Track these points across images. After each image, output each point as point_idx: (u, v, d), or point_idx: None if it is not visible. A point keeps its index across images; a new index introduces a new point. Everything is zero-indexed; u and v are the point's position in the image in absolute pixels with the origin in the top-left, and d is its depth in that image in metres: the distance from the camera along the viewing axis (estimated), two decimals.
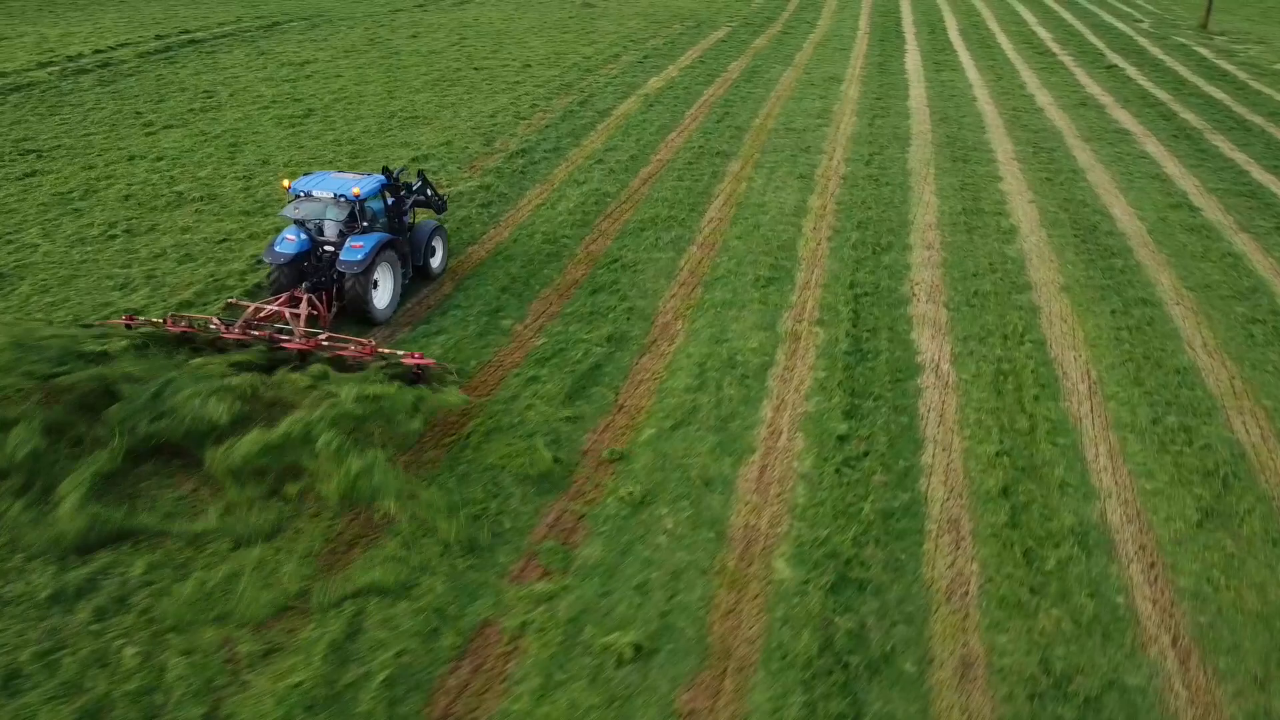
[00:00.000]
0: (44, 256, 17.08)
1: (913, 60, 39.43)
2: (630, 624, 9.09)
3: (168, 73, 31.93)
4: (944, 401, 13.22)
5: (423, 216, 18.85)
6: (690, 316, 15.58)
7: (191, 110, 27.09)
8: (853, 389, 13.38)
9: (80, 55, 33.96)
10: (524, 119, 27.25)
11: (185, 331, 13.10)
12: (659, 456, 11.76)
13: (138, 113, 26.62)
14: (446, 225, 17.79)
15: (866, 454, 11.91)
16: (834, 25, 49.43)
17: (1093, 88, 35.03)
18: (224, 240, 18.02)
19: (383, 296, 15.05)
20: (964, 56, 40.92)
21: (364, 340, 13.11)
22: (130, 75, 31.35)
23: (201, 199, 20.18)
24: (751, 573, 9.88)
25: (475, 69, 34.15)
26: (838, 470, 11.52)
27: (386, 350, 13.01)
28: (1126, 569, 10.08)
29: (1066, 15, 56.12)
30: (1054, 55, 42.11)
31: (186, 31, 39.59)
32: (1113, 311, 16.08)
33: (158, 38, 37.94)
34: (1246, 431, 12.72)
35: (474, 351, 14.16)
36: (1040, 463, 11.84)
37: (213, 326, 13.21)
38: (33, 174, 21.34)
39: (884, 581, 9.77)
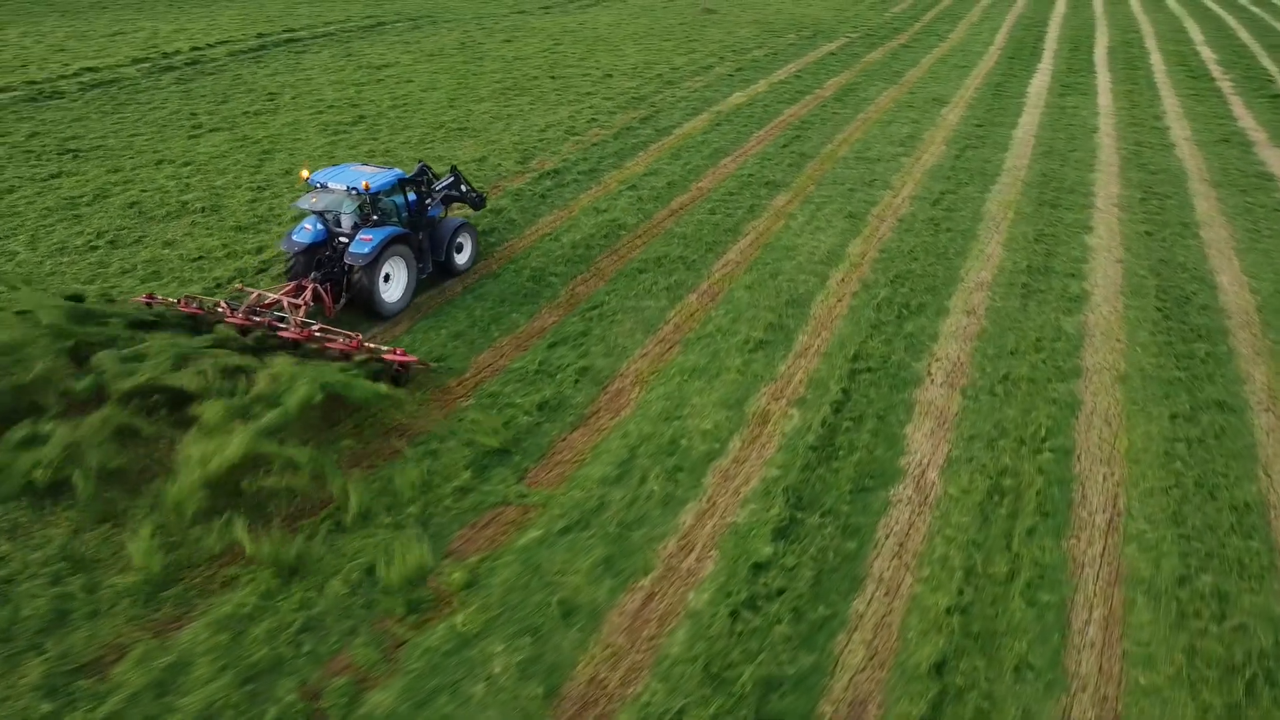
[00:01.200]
0: (16, 267, 16.62)
1: (1039, 81, 35.56)
2: None
3: (247, 73, 32.02)
4: (912, 524, 10.70)
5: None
6: (650, 383, 13.51)
7: (246, 113, 26.79)
8: (800, 497, 11.03)
9: (177, 52, 34.59)
10: (575, 135, 25.61)
11: (194, 313, 13.45)
12: (527, 570, 9.82)
13: (194, 114, 26.51)
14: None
15: (782, 591, 9.59)
16: (966, 38, 45.60)
17: (1245, 120, 30.46)
18: (199, 259, 17.13)
19: (394, 291, 15.15)
20: (1101, 78, 36.65)
21: (352, 334, 13.07)
22: (211, 74, 31.56)
23: (204, 210, 19.47)
24: None
25: (552, 77, 32.79)
26: (735, 612, 9.27)
27: (371, 345, 13.05)
28: None
29: (1243, 34, 50.04)
30: (1211, 80, 37.20)
31: (290, 30, 40.00)
32: (1174, 416, 12.98)
33: (259, 35, 38.43)
34: None
35: (387, 411, 12.54)
36: (1004, 628, 9.22)
37: (219, 310, 13.51)
38: (58, 175, 21.22)
39: None
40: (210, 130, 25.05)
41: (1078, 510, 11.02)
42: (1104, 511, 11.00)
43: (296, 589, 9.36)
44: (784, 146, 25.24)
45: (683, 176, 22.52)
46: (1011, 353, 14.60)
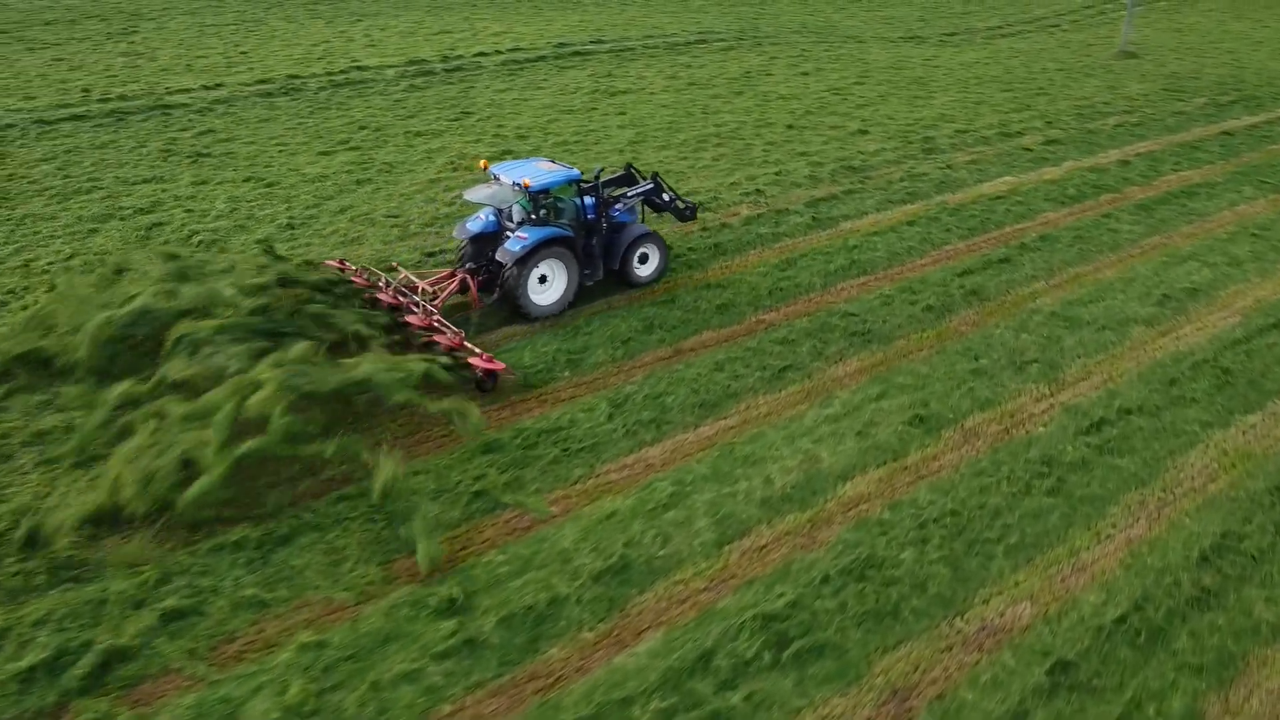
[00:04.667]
0: None
1: None
2: None
3: (483, 84, 30.50)
4: None
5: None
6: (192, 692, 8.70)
7: (408, 133, 25.03)
8: None
9: (460, 56, 34.23)
10: (705, 211, 19.99)
11: (362, 284, 14.84)
12: None
13: (361, 127, 25.34)
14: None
15: None
16: None
17: None
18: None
19: (549, 294, 14.94)
20: None
21: (458, 330, 13.50)
22: (449, 84, 30.51)
23: (215, 242, 17.80)
24: None
25: (789, 126, 26.79)
26: None
27: (470, 345, 13.24)
28: None
29: None
30: None
31: (600, 41, 38.04)
32: None
33: (559, 45, 36.95)
34: None
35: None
36: None
37: (380, 285, 14.66)
38: (148, 180, 21.01)
39: None
40: (349, 149, 23.59)
41: None
42: None
43: None
44: (962, 274, 17.34)
45: (759, 297, 16.15)
46: None
